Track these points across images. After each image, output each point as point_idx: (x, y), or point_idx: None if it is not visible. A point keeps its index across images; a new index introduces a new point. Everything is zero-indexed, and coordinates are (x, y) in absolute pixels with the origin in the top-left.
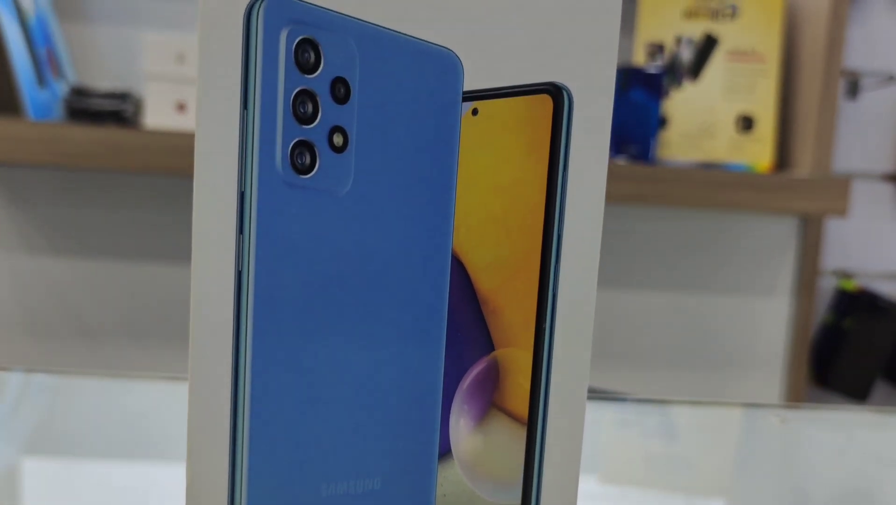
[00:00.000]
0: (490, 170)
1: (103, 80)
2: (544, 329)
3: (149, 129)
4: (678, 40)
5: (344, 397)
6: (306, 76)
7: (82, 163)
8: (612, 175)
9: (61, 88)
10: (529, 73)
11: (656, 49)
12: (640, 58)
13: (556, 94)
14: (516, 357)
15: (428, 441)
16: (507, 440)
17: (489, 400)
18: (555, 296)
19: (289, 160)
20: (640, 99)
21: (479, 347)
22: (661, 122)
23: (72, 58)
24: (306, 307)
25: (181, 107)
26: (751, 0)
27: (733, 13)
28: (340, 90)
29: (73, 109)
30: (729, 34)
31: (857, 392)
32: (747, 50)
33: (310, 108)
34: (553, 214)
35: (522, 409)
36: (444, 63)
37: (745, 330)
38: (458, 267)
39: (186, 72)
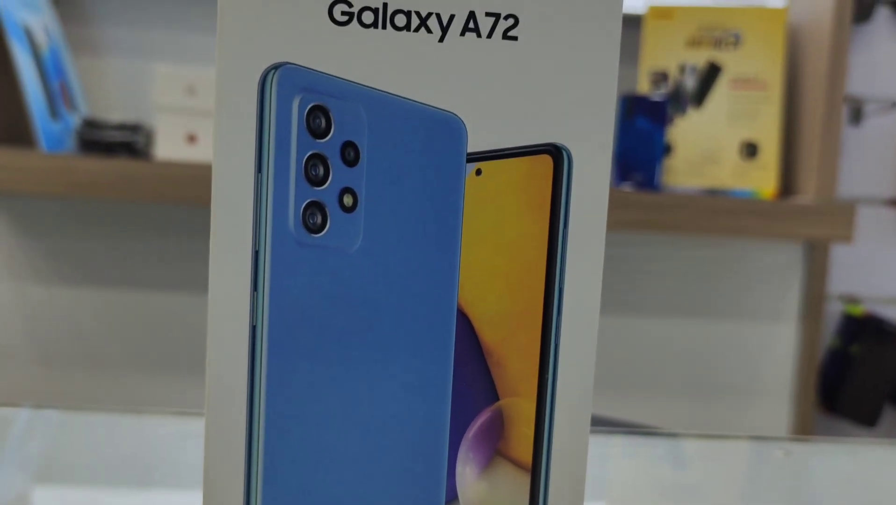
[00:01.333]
0: (493, 227)
1: (115, 112)
2: (547, 379)
3: (159, 161)
4: (682, 68)
5: (353, 446)
6: (317, 140)
7: (94, 193)
8: (618, 202)
9: (74, 120)
10: (530, 134)
11: (660, 77)
12: (644, 86)
13: (556, 154)
14: (520, 406)
15: (434, 488)
16: (512, 487)
17: (494, 448)
18: (557, 347)
19: (301, 220)
20: (645, 126)
21: (483, 397)
22: (666, 150)
23: (84, 90)
24: (318, 362)
25: (192, 138)
26: (753, 28)
27: (736, 41)
28: (350, 153)
29: (86, 141)
30: (732, 62)
31: (865, 418)
32: (750, 77)
33: (321, 170)
34: (554, 269)
35: (526, 456)
36: (449, 126)
37: (751, 356)
38: (464, 320)
39: (197, 104)
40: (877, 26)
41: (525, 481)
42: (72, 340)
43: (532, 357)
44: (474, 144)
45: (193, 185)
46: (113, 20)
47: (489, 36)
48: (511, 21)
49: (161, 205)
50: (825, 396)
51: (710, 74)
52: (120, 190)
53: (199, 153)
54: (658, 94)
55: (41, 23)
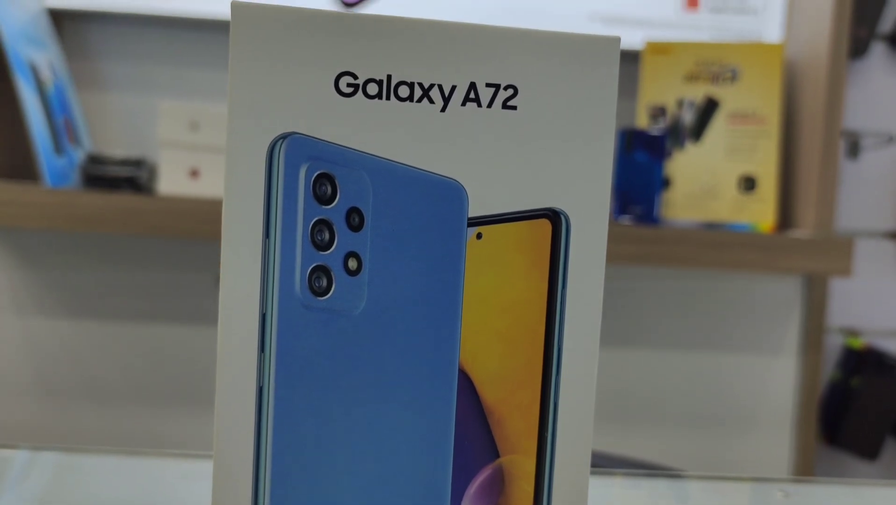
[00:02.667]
0: (494, 289)
1: (118, 147)
2: (546, 438)
3: (163, 196)
4: (680, 103)
5: (358, 503)
6: (323, 207)
7: (98, 228)
8: (617, 236)
9: (78, 156)
10: (529, 199)
11: (659, 111)
12: (642, 120)
13: (555, 218)
14: (520, 463)
15: None
16: None
17: (494, 504)
18: (556, 407)
19: (307, 284)
20: (644, 160)
21: (484, 454)
22: (665, 183)
23: (88, 124)
24: (323, 421)
25: (194, 173)
26: (750, 63)
27: (733, 76)
28: (355, 219)
29: (90, 176)
30: (730, 97)
31: (867, 451)
32: (748, 112)
33: (327, 235)
34: (553, 330)
35: None
36: (450, 192)
37: (752, 389)
38: (465, 380)
39: (200, 139)
40: (873, 61)
41: None
42: (74, 373)
43: (532, 416)
44: (475, 209)
45: (196, 219)
46: (117, 56)
47: (489, 105)
48: (510, 91)
49: (164, 239)
50: (826, 428)
51: (708, 109)
52: (123, 224)
53: (201, 188)
54: (656, 129)
55: (47, 59)
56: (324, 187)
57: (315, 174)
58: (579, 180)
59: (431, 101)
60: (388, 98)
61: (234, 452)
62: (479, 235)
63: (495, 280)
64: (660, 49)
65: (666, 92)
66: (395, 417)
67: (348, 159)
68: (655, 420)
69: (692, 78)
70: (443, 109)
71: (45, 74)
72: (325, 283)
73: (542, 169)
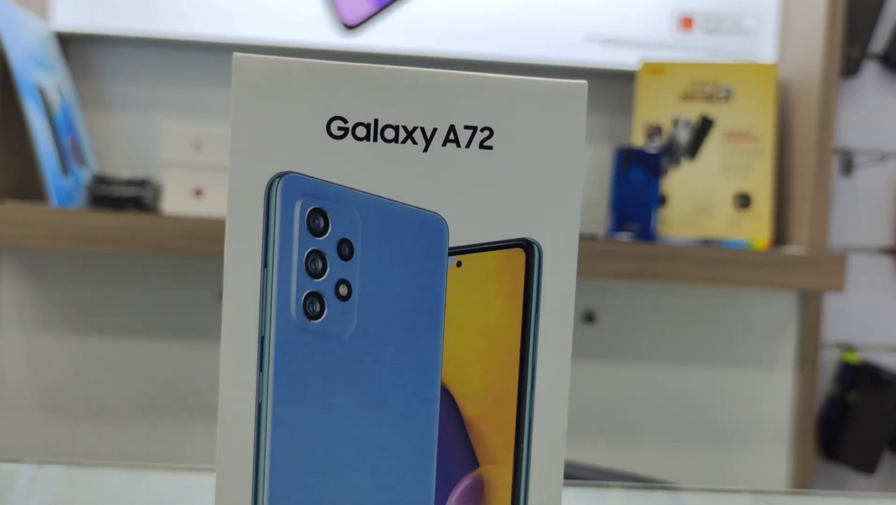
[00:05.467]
0: (473, 313)
1: (123, 166)
2: (522, 449)
3: (167, 215)
4: (675, 122)
5: None
6: (316, 238)
7: (103, 247)
8: (614, 252)
9: (84, 176)
10: (504, 230)
11: (655, 130)
12: (639, 139)
13: (528, 248)
14: (498, 473)
15: None
16: None
17: None
18: (531, 421)
19: (302, 309)
20: (640, 178)
21: (465, 465)
22: (661, 201)
23: (93, 144)
24: (317, 433)
25: (198, 192)
26: (745, 83)
27: (728, 96)
28: (345, 249)
29: (95, 196)
30: (724, 116)
31: (864, 465)
32: (742, 131)
33: (319, 265)
34: (528, 350)
35: None
36: (432, 225)
37: (749, 404)
38: (447, 396)
39: (203, 159)
40: (865, 80)
41: None
42: (78, 388)
43: (509, 429)
44: (455, 240)
45: (200, 237)
46: (121, 77)
47: (467, 146)
48: (487, 133)
49: (168, 257)
50: (824, 442)
51: (703, 128)
52: (129, 243)
53: (205, 207)
54: (652, 147)
55: (54, 82)
56: (317, 221)
57: (309, 209)
58: (551, 213)
59: (414, 142)
60: (375, 140)
61: (235, 463)
62: (458, 263)
63: (474, 305)
64: (655, 69)
65: (662, 111)
66: (384, 429)
67: (339, 195)
68: (652, 435)
69: (687, 97)
70: (425, 150)
71: (53, 97)
72: (318, 308)
73: (516, 203)
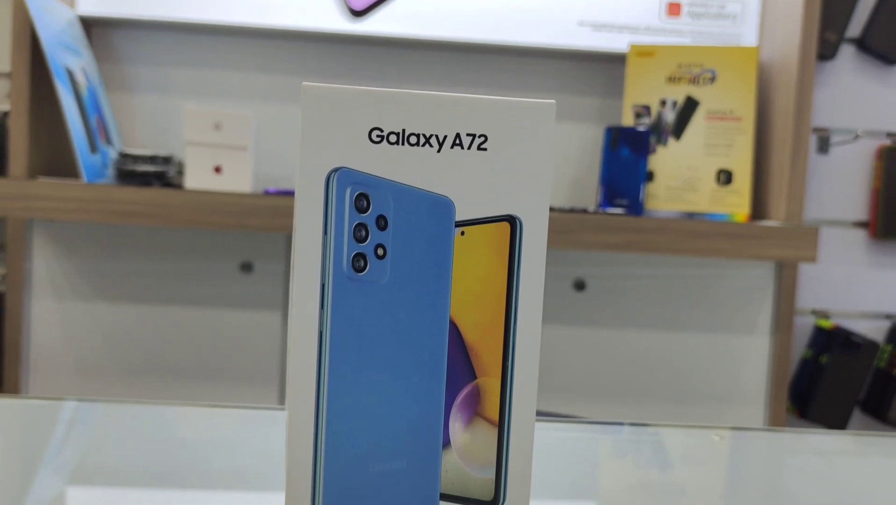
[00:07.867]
0: (472, 268)
1: (144, 145)
2: (508, 365)
3: (189, 190)
4: (662, 103)
5: (385, 410)
6: (361, 214)
7: (130, 220)
8: (604, 225)
9: (110, 154)
10: (496, 209)
11: (643, 110)
12: (628, 119)
13: (512, 221)
14: (490, 383)
15: (436, 437)
16: (486, 437)
17: (474, 411)
18: (514, 344)
19: (351, 265)
20: (629, 156)
21: (466, 376)
22: (648, 177)
23: (117, 124)
24: (362, 354)
25: (217, 169)
26: (728, 66)
27: (712, 78)
28: (382, 222)
29: (122, 172)
30: (708, 97)
31: (835, 423)
32: (725, 111)
33: (364, 233)
34: (512, 293)
35: (495, 416)
36: (443, 205)
37: (728, 366)
38: (454, 326)
39: (222, 139)
40: (842, 63)
41: (494, 433)
42: (107, 352)
43: (498, 350)
44: (460, 216)
45: (219, 211)
46: (143, 60)
47: (469, 148)
48: (483, 138)
49: (191, 229)
50: (798, 402)
51: (689, 108)
52: (154, 217)
53: (224, 183)
54: (641, 126)
55: (80, 64)
56: (361, 202)
57: (356, 193)
58: (529, 196)
59: (430, 146)
60: (402, 144)
61: (303, 373)
62: (462, 233)
63: (473, 262)
64: (644, 52)
65: (649, 92)
66: (408, 350)
67: (378, 184)
68: (638, 395)
69: (674, 79)
70: (438, 151)
71: (80, 79)
72: (362, 264)
73: (503, 189)
